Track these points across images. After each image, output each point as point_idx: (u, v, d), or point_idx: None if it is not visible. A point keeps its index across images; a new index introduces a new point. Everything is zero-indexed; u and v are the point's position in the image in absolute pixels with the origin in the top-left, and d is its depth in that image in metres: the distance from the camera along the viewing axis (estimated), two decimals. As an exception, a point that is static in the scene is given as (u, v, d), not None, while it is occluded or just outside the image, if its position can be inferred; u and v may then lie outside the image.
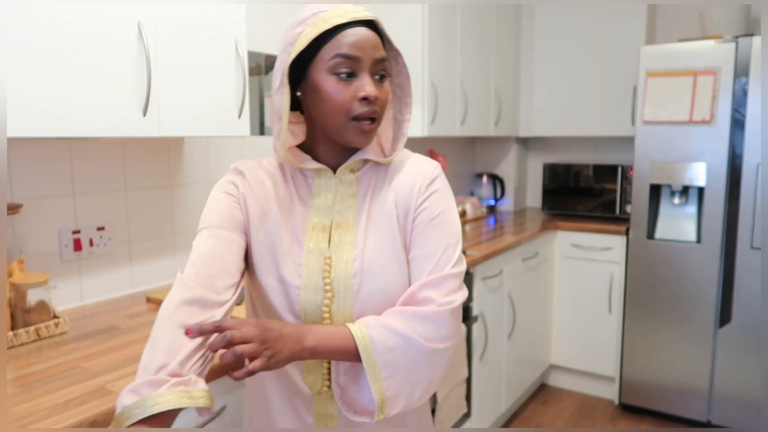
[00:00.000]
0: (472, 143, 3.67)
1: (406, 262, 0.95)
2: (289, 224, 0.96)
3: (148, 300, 1.62)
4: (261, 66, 2.06)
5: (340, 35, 0.87)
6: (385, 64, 0.91)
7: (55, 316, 1.37)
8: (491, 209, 3.56)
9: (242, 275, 0.94)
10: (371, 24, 0.91)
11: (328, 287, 0.92)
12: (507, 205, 3.59)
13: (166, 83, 1.39)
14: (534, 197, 3.77)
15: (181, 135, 1.44)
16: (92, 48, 1.23)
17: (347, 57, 0.87)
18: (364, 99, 0.88)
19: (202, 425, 1.18)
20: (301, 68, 0.91)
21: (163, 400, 0.73)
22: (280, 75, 0.90)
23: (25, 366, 1.16)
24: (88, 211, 1.61)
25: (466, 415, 2.33)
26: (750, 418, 2.58)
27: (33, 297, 1.32)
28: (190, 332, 0.79)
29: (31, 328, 1.30)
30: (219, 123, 1.54)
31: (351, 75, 0.88)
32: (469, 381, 2.32)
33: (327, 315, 0.92)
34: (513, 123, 3.37)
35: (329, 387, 0.95)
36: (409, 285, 0.94)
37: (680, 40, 2.64)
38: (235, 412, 1.27)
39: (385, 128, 1.01)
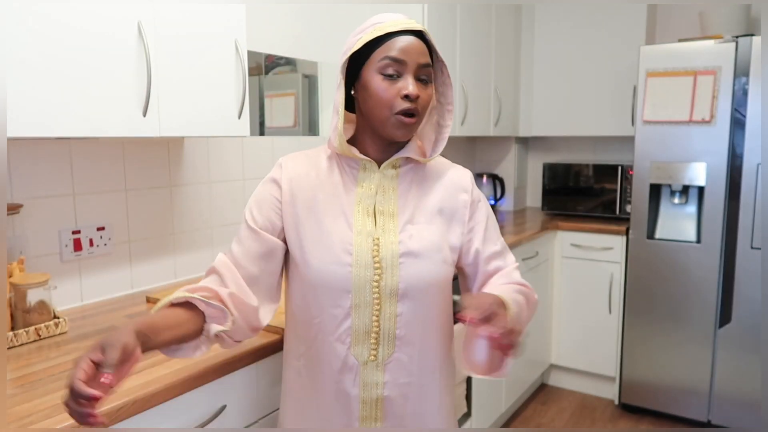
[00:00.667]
0: (472, 143, 3.67)
1: (449, 253, 1.09)
2: (337, 209, 1.07)
3: (148, 300, 1.62)
4: (261, 66, 2.06)
5: (390, 41, 1.00)
6: (429, 70, 1.02)
7: (55, 316, 1.37)
8: (491, 209, 3.56)
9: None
10: (420, 34, 1.02)
11: (377, 264, 1.04)
12: (507, 205, 3.59)
13: (166, 83, 1.39)
14: (534, 197, 3.77)
15: (181, 135, 1.44)
16: (92, 48, 1.23)
17: (394, 60, 0.99)
18: (406, 96, 0.99)
19: (203, 425, 1.19)
20: (356, 70, 1.04)
21: (181, 295, 0.97)
22: (339, 75, 1.03)
23: (25, 366, 1.16)
24: (88, 211, 1.61)
25: (466, 415, 2.33)
26: (750, 418, 2.58)
27: (33, 297, 1.32)
28: (469, 320, 0.89)
29: (31, 328, 1.30)
30: (219, 123, 1.54)
31: (396, 76, 1.00)
32: (469, 381, 2.32)
33: (376, 290, 1.04)
34: (513, 123, 3.37)
35: (375, 356, 1.05)
36: (460, 272, 1.15)
37: (680, 40, 2.64)
38: (235, 412, 1.27)
39: (428, 132, 1.12)
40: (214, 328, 0.99)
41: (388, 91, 0.99)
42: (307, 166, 1.11)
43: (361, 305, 1.04)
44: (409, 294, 1.04)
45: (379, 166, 1.09)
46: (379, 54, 0.99)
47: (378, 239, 1.04)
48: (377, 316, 1.04)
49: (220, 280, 1.04)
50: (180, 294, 0.98)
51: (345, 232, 1.05)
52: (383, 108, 1.00)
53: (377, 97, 1.00)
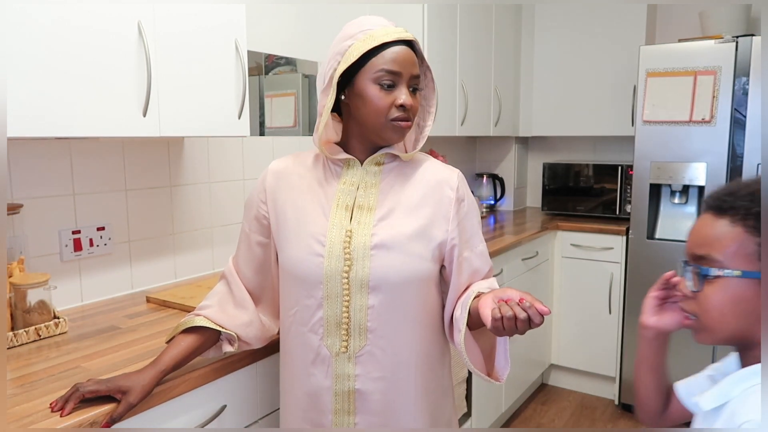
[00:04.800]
0: (472, 143, 3.67)
1: (429, 248, 1.09)
2: (316, 203, 1.12)
3: (148, 300, 1.62)
4: (261, 66, 2.06)
5: (385, 51, 1.03)
6: (419, 79, 1.08)
7: (55, 316, 1.37)
8: (491, 209, 3.56)
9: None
10: (410, 43, 1.06)
11: (347, 256, 1.07)
12: (507, 204, 3.59)
13: (166, 83, 1.39)
14: (534, 197, 3.77)
15: (181, 135, 1.44)
16: (92, 47, 1.23)
17: (390, 72, 1.03)
18: (401, 106, 1.04)
19: (203, 425, 1.19)
20: (346, 76, 1.06)
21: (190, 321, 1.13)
22: (328, 79, 1.06)
23: (25, 366, 1.16)
24: (88, 211, 1.61)
25: (466, 415, 2.33)
26: (750, 418, 2.57)
27: (33, 297, 1.32)
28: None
29: (31, 328, 1.30)
30: (219, 123, 1.54)
31: (391, 86, 1.04)
32: (469, 381, 2.32)
33: (346, 281, 1.06)
34: (513, 123, 3.37)
35: (347, 348, 1.08)
36: (443, 265, 1.14)
37: (680, 40, 2.64)
38: (235, 412, 1.27)
39: (409, 133, 1.17)
40: (225, 347, 1.16)
41: (384, 100, 1.03)
42: (293, 164, 1.18)
43: (331, 296, 1.07)
44: (380, 287, 1.06)
45: (362, 164, 1.13)
46: (374, 65, 1.03)
47: (351, 231, 1.07)
48: (347, 308, 1.07)
49: (228, 287, 1.18)
50: (199, 322, 1.12)
51: (321, 225, 1.09)
52: (379, 116, 1.04)
53: (373, 105, 1.04)
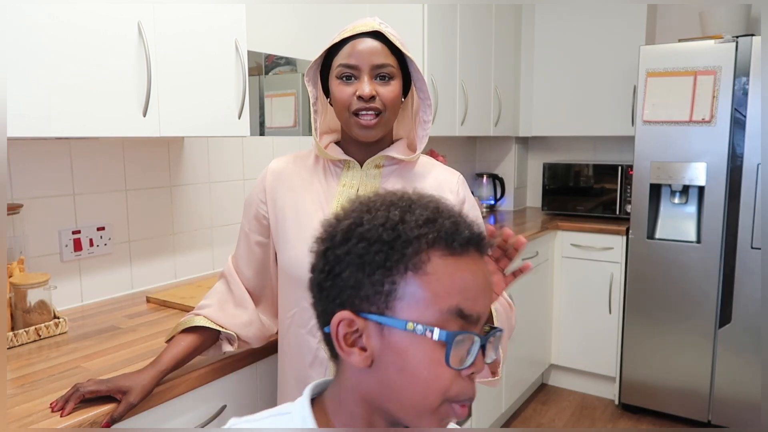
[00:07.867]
0: (472, 143, 3.67)
1: None
2: (316, 205, 1.11)
3: (148, 300, 1.62)
4: (261, 66, 2.06)
5: (345, 47, 1.04)
6: (388, 68, 1.04)
7: (55, 316, 1.37)
8: (491, 209, 3.56)
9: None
10: (377, 35, 1.04)
11: None
12: (507, 205, 3.59)
13: (166, 83, 1.39)
14: (534, 197, 3.77)
15: (181, 135, 1.44)
16: (92, 47, 1.23)
17: (346, 65, 1.03)
18: (360, 97, 1.02)
19: (203, 425, 1.19)
20: (327, 81, 1.09)
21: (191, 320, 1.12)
22: (309, 86, 1.11)
23: (25, 366, 1.16)
24: (88, 211, 1.61)
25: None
26: (750, 418, 2.58)
27: (33, 297, 1.32)
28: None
29: (31, 328, 1.30)
30: (219, 123, 1.54)
31: (353, 78, 1.04)
32: (469, 381, 2.32)
33: None
34: (513, 123, 3.37)
35: None
36: None
37: (680, 40, 2.64)
38: (235, 412, 1.27)
39: (417, 130, 1.15)
40: (225, 346, 1.16)
41: (345, 93, 1.04)
42: (293, 165, 1.17)
43: None
44: None
45: (362, 166, 1.12)
46: (336, 62, 1.05)
47: None
48: None
49: (228, 287, 1.18)
50: (199, 322, 1.11)
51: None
52: (343, 110, 1.05)
53: (337, 100, 1.05)
